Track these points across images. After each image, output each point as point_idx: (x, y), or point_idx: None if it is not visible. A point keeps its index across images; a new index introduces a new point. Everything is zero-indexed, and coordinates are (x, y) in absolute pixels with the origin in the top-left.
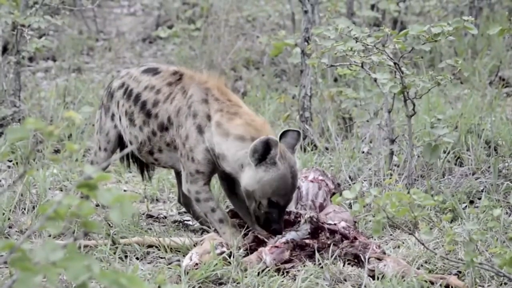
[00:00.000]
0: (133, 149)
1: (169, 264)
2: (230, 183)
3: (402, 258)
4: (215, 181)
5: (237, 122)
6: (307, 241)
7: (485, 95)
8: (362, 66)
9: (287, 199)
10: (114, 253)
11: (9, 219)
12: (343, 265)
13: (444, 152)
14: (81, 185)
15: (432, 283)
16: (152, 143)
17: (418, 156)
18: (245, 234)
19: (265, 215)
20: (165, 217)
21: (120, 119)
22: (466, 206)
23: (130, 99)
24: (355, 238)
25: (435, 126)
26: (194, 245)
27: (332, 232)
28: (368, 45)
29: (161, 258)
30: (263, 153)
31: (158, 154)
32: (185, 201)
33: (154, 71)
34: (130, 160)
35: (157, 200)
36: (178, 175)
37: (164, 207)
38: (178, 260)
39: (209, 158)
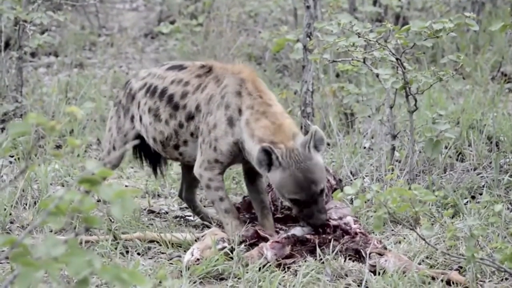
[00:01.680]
0: (155, 148)
1: (170, 259)
2: (251, 173)
3: (403, 253)
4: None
5: (261, 123)
6: (308, 236)
7: (487, 91)
8: (364, 62)
9: (305, 194)
10: (116, 248)
11: (10, 214)
12: (344, 261)
13: (446, 147)
14: (83, 181)
15: (433, 278)
16: (179, 136)
17: (420, 152)
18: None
19: (301, 214)
20: (167, 213)
21: (141, 119)
22: (467, 202)
23: (154, 95)
24: (356, 234)
25: (437, 121)
26: (196, 241)
27: (335, 227)
28: (370, 40)
29: (162, 253)
30: (269, 159)
31: (184, 148)
32: (186, 196)
33: (179, 67)
34: (143, 157)
35: (158, 195)
36: (184, 169)
37: (165, 203)
38: (179, 256)
39: (233, 151)
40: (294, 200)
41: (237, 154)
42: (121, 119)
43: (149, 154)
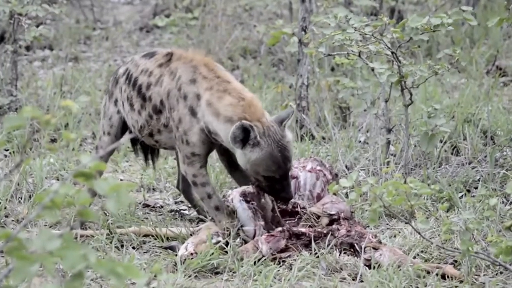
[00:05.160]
0: (134, 135)
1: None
2: (230, 158)
3: (398, 247)
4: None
5: (226, 101)
6: (303, 230)
7: (482, 85)
8: (359, 56)
9: (281, 171)
10: (111, 242)
11: (5, 208)
12: (339, 255)
13: (441, 141)
14: (78, 175)
15: (428, 272)
16: (151, 126)
17: (415, 146)
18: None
19: (269, 188)
20: (162, 207)
21: (123, 105)
22: (462, 196)
23: (130, 84)
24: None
25: (432, 115)
26: (191, 235)
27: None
28: (366, 34)
29: (158, 247)
30: (245, 136)
31: (158, 136)
32: (183, 188)
33: (151, 55)
34: (137, 146)
35: (153, 189)
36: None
37: (160, 197)
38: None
39: (204, 138)
40: (269, 178)
41: (208, 141)
42: (107, 103)
43: (142, 143)
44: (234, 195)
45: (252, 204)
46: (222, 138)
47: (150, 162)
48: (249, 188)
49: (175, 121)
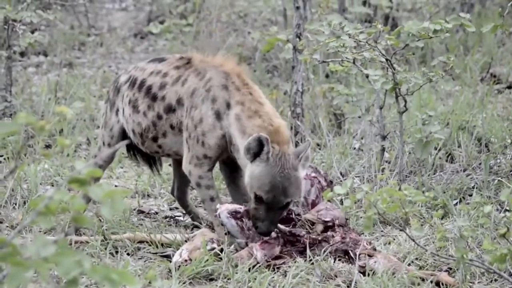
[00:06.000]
0: (135, 141)
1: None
2: (232, 170)
3: (392, 254)
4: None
5: (255, 122)
6: (298, 232)
7: (476, 92)
8: (354, 62)
9: (271, 196)
10: (105, 248)
11: (0, 214)
12: (334, 262)
13: (435, 148)
14: (73, 181)
15: (422, 279)
16: (157, 128)
17: (410, 153)
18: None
19: (253, 212)
20: (156, 213)
21: (123, 111)
22: (457, 203)
23: (134, 87)
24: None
25: (427, 122)
26: (186, 241)
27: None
28: (360, 41)
29: (152, 253)
30: (258, 151)
31: (163, 139)
32: (178, 195)
33: (160, 60)
34: (137, 154)
35: (148, 195)
36: (175, 167)
37: (155, 203)
38: (169, 256)
39: (221, 144)
40: (258, 198)
41: (225, 147)
42: (108, 114)
43: (143, 152)
44: (222, 210)
45: (241, 221)
46: (240, 154)
47: (154, 168)
48: (241, 208)
49: (195, 120)
